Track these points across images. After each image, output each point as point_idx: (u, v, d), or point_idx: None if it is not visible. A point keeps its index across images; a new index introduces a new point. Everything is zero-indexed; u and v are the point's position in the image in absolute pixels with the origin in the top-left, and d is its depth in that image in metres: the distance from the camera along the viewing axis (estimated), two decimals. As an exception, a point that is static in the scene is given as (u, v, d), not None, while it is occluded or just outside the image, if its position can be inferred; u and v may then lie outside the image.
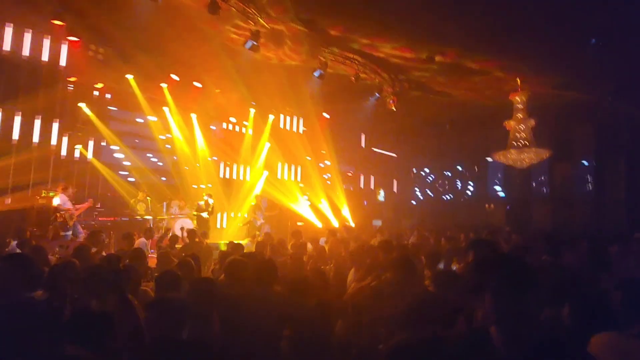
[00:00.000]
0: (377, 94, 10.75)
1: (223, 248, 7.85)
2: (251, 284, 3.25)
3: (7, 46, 8.48)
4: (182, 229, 8.90)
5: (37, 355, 2.14)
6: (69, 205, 8.09)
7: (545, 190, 14.85)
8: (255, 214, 11.20)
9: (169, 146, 12.05)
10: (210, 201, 10.55)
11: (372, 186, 18.06)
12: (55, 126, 9.54)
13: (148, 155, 12.10)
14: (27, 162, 8.74)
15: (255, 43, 7.79)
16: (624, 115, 11.59)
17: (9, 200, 8.41)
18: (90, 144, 10.41)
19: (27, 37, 8.72)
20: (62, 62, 9.28)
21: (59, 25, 8.33)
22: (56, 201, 8.02)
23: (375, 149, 17.82)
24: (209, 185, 12.40)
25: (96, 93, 10.60)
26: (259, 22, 7.64)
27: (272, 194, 13.27)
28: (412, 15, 7.16)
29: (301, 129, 15.21)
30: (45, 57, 9.01)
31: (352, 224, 14.17)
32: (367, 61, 9.40)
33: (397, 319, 1.92)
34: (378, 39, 8.39)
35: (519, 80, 9.80)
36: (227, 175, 13.70)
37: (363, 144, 17.31)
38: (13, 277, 2.52)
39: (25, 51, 8.74)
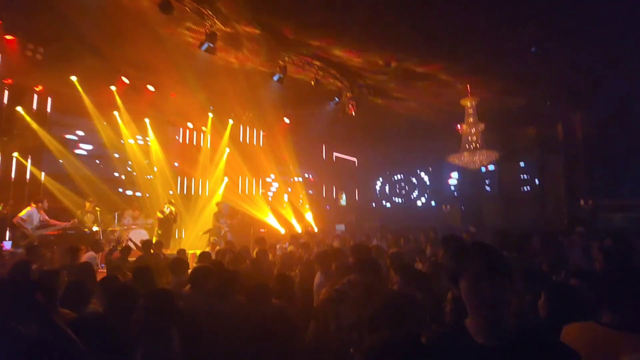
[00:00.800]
0: (336, 99, 10.87)
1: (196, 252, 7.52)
2: (213, 295, 3.10)
3: None
4: (129, 240, 8.40)
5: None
6: (36, 219, 7.52)
7: (494, 190, 15.81)
8: (218, 221, 10.86)
9: (117, 155, 11.29)
10: (173, 209, 10.14)
11: (334, 191, 18.21)
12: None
13: (97, 162, 11.26)
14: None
15: (211, 45, 7.55)
16: (560, 119, 12.67)
17: None
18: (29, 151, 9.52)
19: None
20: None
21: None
22: (24, 214, 7.67)
23: (336, 154, 18.03)
24: (170, 192, 11.86)
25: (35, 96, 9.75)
26: (215, 24, 7.43)
27: (234, 200, 12.94)
28: (361, 18, 7.29)
29: (261, 141, 15.06)
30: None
31: (316, 229, 14.16)
32: (325, 65, 9.47)
33: (367, 321, 1.89)
34: (327, 41, 8.43)
35: (468, 87, 10.37)
36: (185, 191, 13.13)
37: (324, 149, 17.45)
38: None
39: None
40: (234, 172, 13.74)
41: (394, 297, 2.05)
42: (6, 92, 9.12)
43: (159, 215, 10.45)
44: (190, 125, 13.27)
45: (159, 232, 10.12)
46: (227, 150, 13.33)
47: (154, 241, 7.81)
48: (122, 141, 11.15)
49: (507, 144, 13.57)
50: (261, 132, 15.07)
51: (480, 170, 12.63)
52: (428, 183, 18.23)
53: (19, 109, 9.19)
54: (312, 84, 9.59)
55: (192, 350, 2.40)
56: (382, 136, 15.40)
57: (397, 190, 19.07)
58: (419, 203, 18.25)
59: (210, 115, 12.79)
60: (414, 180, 18.63)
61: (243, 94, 10.95)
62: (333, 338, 2.70)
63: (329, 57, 9.15)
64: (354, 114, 11.08)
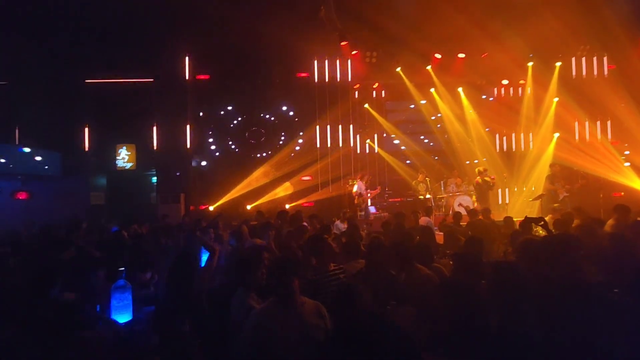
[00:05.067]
0: None
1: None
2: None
3: (314, 76, 11.28)
4: (460, 205, 8.84)
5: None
6: (363, 190, 9.89)
7: None
8: (553, 185, 9.26)
9: (439, 125, 12.25)
10: (486, 178, 9.82)
11: None
12: (351, 129, 11.83)
13: (422, 138, 12.84)
14: (337, 160, 11.39)
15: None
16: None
17: (330, 190, 11.29)
18: (376, 137, 12.22)
19: (326, 64, 11.23)
20: (349, 76, 11.34)
21: (344, 45, 10.26)
22: (355, 188, 9.98)
23: None
24: (484, 159, 11.64)
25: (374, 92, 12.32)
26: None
27: (571, 160, 10.67)
28: None
29: (605, 69, 11.38)
30: (338, 76, 11.31)
31: None
32: None
33: None
34: None
35: None
36: (505, 148, 12.32)
37: None
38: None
39: (326, 75, 11.27)
40: (568, 126, 11.32)
41: None
42: (356, 94, 12.08)
43: (471, 186, 10.32)
44: (505, 82, 12.18)
45: (475, 201, 10.02)
46: (556, 99, 11.16)
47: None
48: (440, 114, 11.97)
49: None
50: (605, 67, 11.41)
51: None
52: None
53: (366, 105, 11.95)
54: None
55: (552, 328, 2.18)
56: None
57: None
58: None
59: (530, 64, 11.13)
60: None
61: (574, 25, 8.67)
62: None
63: None
64: None
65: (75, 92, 10.42)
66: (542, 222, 4.36)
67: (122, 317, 2.85)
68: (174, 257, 2.96)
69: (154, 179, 11.34)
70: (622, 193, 10.18)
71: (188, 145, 10.82)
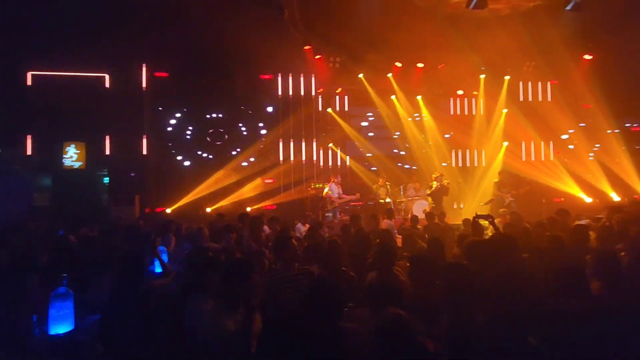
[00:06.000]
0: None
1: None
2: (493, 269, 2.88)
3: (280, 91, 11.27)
4: (424, 211, 9.22)
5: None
6: (335, 192, 10.04)
7: None
8: (500, 191, 9.97)
9: (398, 133, 12.66)
10: (437, 184, 10.35)
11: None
12: (313, 132, 11.91)
13: (383, 144, 13.17)
14: (299, 164, 11.40)
15: (480, -1, 6.88)
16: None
17: (292, 192, 11.27)
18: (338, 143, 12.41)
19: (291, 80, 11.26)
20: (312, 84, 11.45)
21: (308, 49, 10.32)
22: (326, 190, 10.21)
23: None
24: (443, 164, 12.21)
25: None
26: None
27: (517, 167, 11.52)
28: None
29: (549, 94, 12.45)
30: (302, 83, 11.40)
31: (648, 196, 10.34)
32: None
33: None
34: None
35: None
36: (461, 162, 13.00)
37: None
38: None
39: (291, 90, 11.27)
40: (515, 136, 12.18)
41: None
42: (320, 99, 12.18)
43: (428, 191, 10.76)
44: (460, 92, 12.88)
45: (433, 204, 10.48)
46: (505, 111, 11.97)
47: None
48: (400, 121, 12.39)
49: None
50: (548, 83, 12.45)
51: None
52: None
53: (329, 110, 12.09)
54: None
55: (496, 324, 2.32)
56: None
57: None
58: None
59: (482, 77, 11.86)
60: None
61: (521, 43, 9.38)
62: None
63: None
64: None
65: (17, 85, 9.61)
66: (491, 219, 4.63)
67: (62, 328, 2.65)
68: (120, 262, 2.81)
69: (107, 180, 10.70)
70: (562, 199, 11.13)
71: (144, 145, 10.33)
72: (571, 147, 12.42)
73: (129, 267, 2.68)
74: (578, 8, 7.03)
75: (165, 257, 4.10)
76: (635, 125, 12.75)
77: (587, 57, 11.01)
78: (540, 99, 12.64)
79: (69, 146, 10.54)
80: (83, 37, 8.98)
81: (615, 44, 10.03)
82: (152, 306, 2.65)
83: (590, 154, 11.86)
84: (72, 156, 10.55)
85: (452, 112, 13.16)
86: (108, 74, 10.26)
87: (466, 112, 13.03)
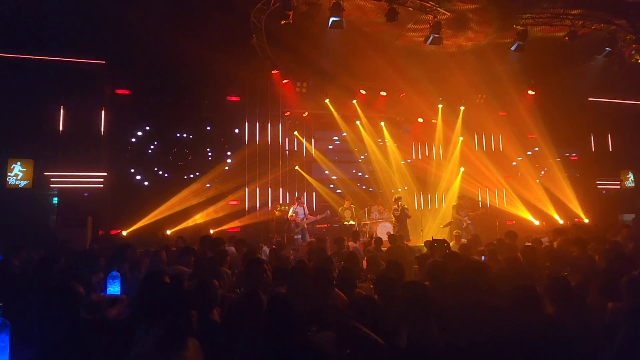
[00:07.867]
0: (607, 49, 8.25)
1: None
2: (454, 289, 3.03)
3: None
4: (387, 233, 9.47)
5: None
6: (301, 213, 10.13)
7: None
8: (458, 214, 10.51)
9: (362, 157, 13.05)
10: (399, 206, 10.72)
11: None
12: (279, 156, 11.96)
13: (348, 167, 13.49)
14: (265, 184, 11.33)
15: (436, 35, 7.48)
16: None
17: (257, 214, 11.12)
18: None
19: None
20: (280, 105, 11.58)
21: (275, 73, 10.52)
22: (290, 212, 10.17)
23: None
24: (406, 188, 12.66)
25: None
26: (437, 13, 7.29)
27: (473, 191, 12.23)
28: None
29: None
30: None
31: (586, 220, 11.29)
32: (588, 11, 7.41)
33: None
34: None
35: None
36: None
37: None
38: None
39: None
40: (471, 162, 12.96)
41: None
42: (287, 122, 12.34)
43: (393, 217, 11.07)
44: (420, 120, 13.58)
45: (397, 225, 10.77)
46: (461, 139, 12.76)
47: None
48: (365, 146, 12.80)
49: None
50: (497, 115, 13.50)
51: None
52: None
53: (295, 133, 12.26)
54: (566, 39, 7.72)
55: (452, 340, 2.42)
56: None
57: None
58: None
59: (440, 106, 12.64)
60: None
61: (473, 77, 10.21)
62: None
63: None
64: (640, 61, 8.12)
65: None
66: (446, 244, 4.87)
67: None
68: (49, 289, 2.56)
69: (56, 200, 10.01)
70: (514, 221, 11.88)
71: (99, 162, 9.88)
72: (519, 174, 13.39)
73: (58, 297, 2.43)
74: (521, 49, 7.83)
75: (118, 283, 3.88)
76: (573, 155, 14.05)
77: (530, 92, 12.13)
78: (491, 126, 13.60)
79: (15, 163, 9.83)
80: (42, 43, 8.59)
81: (553, 82, 11.16)
82: (97, 337, 2.40)
83: (537, 180, 12.86)
84: (17, 174, 9.83)
85: (412, 139, 13.82)
86: (62, 87, 9.77)
87: (426, 138, 13.72)
